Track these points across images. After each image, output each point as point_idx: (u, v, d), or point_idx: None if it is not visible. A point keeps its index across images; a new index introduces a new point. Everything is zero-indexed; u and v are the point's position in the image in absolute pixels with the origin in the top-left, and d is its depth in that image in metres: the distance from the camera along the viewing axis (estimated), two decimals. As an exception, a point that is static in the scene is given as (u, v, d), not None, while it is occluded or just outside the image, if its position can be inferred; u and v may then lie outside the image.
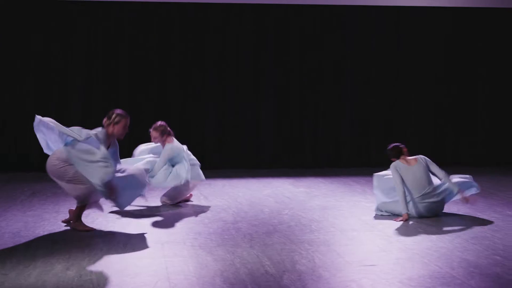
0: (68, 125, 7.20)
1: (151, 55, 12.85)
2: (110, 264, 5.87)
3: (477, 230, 7.37)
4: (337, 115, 13.47)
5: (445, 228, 7.45)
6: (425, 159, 8.19)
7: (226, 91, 13.11)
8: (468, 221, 7.84)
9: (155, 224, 7.65)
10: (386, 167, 12.98)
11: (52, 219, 7.81)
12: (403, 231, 7.29)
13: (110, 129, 7.32)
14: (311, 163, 13.25)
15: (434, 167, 8.14)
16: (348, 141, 13.48)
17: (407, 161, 8.14)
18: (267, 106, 13.18)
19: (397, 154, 8.20)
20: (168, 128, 8.91)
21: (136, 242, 6.75)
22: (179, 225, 7.59)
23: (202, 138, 12.99)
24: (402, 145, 8.26)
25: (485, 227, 7.53)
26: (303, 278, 5.44)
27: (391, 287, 5.21)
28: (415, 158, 8.18)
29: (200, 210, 8.56)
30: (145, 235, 7.07)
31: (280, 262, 5.93)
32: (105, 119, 7.37)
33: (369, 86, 13.58)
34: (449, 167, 13.05)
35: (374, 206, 8.61)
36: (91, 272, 5.63)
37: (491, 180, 11.13)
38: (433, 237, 7.00)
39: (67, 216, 7.72)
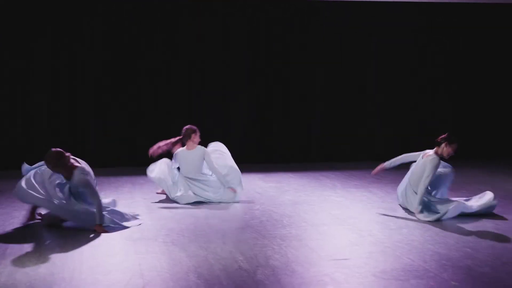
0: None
1: (119, 54, 12.74)
2: (83, 262, 5.81)
3: (446, 223, 7.45)
4: (306, 110, 13.48)
5: (415, 221, 7.51)
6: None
7: (194, 86, 13.04)
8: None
9: (126, 221, 7.59)
10: (354, 161, 13.12)
11: (21, 217, 7.71)
12: (374, 225, 7.33)
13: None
14: (280, 158, 13.25)
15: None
16: (317, 135, 13.50)
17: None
18: (236, 102, 13.15)
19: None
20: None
21: (108, 239, 6.70)
22: (151, 221, 7.54)
23: (170, 135, 12.91)
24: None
25: (455, 219, 7.60)
26: (277, 273, 5.44)
27: (365, 280, 5.24)
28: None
29: (172, 206, 8.52)
30: (117, 232, 7.01)
31: (253, 258, 5.93)
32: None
33: (338, 81, 13.60)
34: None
35: (347, 201, 8.69)
36: (63, 269, 5.57)
37: (460, 173, 11.22)
38: (404, 230, 7.06)
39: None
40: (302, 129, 13.48)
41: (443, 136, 8.02)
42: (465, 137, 13.65)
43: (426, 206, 7.84)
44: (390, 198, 9.05)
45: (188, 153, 8.99)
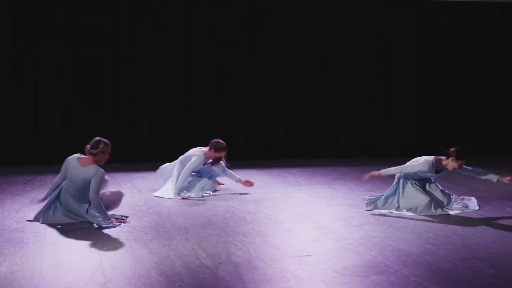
0: None
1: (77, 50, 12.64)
2: (43, 259, 5.76)
3: (408, 219, 7.52)
4: (270, 107, 13.51)
5: (378, 218, 7.57)
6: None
7: (157, 85, 12.99)
8: (399, 212, 7.97)
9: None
10: (319, 158, 13.18)
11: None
12: (337, 222, 7.37)
13: (96, 159, 7.31)
14: (244, 155, 13.26)
15: None
16: (282, 133, 13.54)
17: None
18: (198, 99, 13.12)
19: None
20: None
21: (70, 236, 6.65)
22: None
23: (135, 133, 12.86)
24: None
25: (415, 216, 7.69)
26: (239, 270, 5.45)
27: (326, 277, 5.27)
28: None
29: (134, 203, 8.48)
30: (77, 229, 6.96)
31: (215, 254, 5.93)
32: (88, 147, 7.33)
33: (299, 78, 13.65)
34: (380, 159, 13.34)
35: (311, 198, 8.75)
36: (24, 267, 5.52)
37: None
38: (366, 227, 7.11)
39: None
40: (266, 126, 13.50)
41: (453, 149, 7.97)
42: (439, 133, 13.86)
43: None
44: (353, 195, 9.11)
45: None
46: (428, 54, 14.21)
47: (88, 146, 7.33)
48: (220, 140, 9.20)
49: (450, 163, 7.95)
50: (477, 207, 8.18)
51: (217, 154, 9.14)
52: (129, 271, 5.42)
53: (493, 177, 8.05)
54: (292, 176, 11.03)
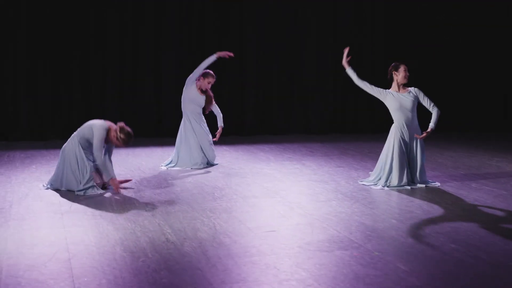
0: None
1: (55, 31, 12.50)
2: (7, 236, 5.73)
3: (374, 194, 7.58)
4: (240, 83, 13.49)
5: (345, 194, 7.61)
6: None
7: (126, 61, 12.90)
8: (366, 187, 8.03)
9: (55, 194, 7.49)
10: (289, 135, 13.22)
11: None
12: (304, 198, 7.41)
13: (112, 134, 7.65)
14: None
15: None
16: (251, 109, 13.53)
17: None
18: (167, 76, 13.06)
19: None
20: None
21: (35, 212, 6.61)
22: (80, 194, 7.46)
23: (103, 108, 12.78)
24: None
25: (383, 192, 7.74)
26: (204, 245, 5.46)
27: (290, 252, 5.30)
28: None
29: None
30: (44, 205, 6.93)
31: (181, 230, 5.94)
32: (119, 125, 7.67)
33: (271, 54, 13.64)
34: (350, 135, 13.42)
35: (279, 174, 8.79)
36: (-13, 244, 5.49)
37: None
38: (333, 202, 7.15)
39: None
40: (237, 102, 13.49)
41: (389, 69, 8.21)
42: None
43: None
44: (322, 171, 9.15)
45: None
46: (397, 35, 14.27)
47: (119, 124, 7.69)
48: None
49: (398, 77, 8.12)
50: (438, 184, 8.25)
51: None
52: (94, 247, 5.40)
53: (431, 120, 8.10)
54: (262, 152, 11.05)
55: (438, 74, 14.42)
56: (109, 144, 7.78)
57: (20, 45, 12.27)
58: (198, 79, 9.51)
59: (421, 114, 8.36)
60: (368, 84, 8.22)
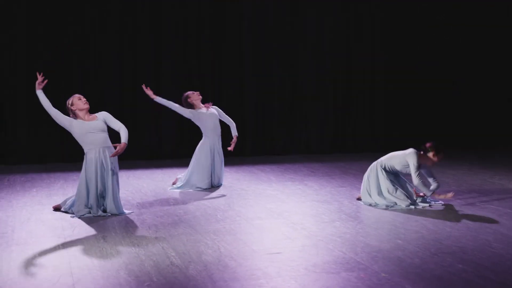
0: None
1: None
2: (11, 261, 5.67)
3: (379, 215, 7.54)
4: (240, 103, 13.48)
5: (348, 214, 7.57)
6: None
7: (124, 82, 12.88)
8: (369, 207, 7.99)
9: (57, 219, 7.44)
10: (290, 155, 13.19)
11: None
12: (308, 219, 7.36)
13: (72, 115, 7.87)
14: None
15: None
16: (253, 130, 13.52)
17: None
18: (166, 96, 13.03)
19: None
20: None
21: (38, 237, 6.55)
22: (82, 218, 7.41)
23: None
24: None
25: (387, 212, 7.70)
26: (209, 268, 5.41)
27: (296, 274, 5.25)
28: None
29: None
30: (46, 230, 6.88)
31: (185, 253, 5.88)
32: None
33: (271, 77, 13.65)
34: (350, 155, 13.39)
35: (282, 195, 8.75)
36: (-10, 269, 5.44)
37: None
38: (337, 223, 7.10)
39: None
40: (237, 123, 13.45)
41: (430, 144, 8.05)
42: (408, 130, 13.97)
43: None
44: (324, 191, 9.11)
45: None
46: (397, 55, 14.31)
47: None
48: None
49: (430, 158, 7.99)
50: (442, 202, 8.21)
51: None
52: (98, 271, 5.35)
53: (431, 187, 8.06)
54: (263, 173, 11.01)
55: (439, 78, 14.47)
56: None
57: (20, 67, 12.24)
58: (188, 102, 9.54)
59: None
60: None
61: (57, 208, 7.85)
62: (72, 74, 12.54)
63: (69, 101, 7.80)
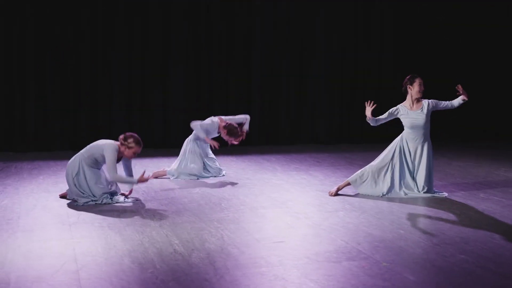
0: None
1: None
2: (16, 247, 5.73)
3: (382, 205, 7.56)
4: (246, 93, 13.50)
5: (352, 204, 7.60)
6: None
7: (133, 76, 12.92)
8: (374, 197, 8.01)
9: (63, 206, 7.50)
10: (296, 145, 13.21)
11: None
12: (312, 208, 7.40)
13: (122, 149, 7.67)
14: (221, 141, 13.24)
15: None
16: (258, 119, 13.54)
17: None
18: (177, 85, 13.08)
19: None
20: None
21: (43, 224, 6.61)
22: (87, 206, 7.47)
23: (111, 121, 12.79)
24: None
25: (390, 202, 7.73)
26: (212, 256, 5.46)
27: (298, 262, 5.29)
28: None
29: (109, 190, 8.44)
30: (52, 217, 6.94)
31: (189, 241, 5.93)
32: (121, 137, 7.68)
33: (278, 64, 13.66)
34: (357, 145, 13.38)
35: (286, 184, 8.77)
36: (-5, 255, 5.50)
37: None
38: (340, 213, 7.14)
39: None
40: (243, 112, 13.48)
41: (404, 82, 8.18)
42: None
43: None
44: (329, 181, 9.14)
45: None
46: (403, 51, 14.29)
47: (121, 136, 7.71)
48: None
49: (413, 91, 8.09)
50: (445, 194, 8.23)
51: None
52: (102, 258, 5.41)
53: (458, 101, 8.14)
54: (269, 162, 11.04)
55: (440, 78, 14.42)
56: (125, 159, 7.81)
57: (28, 57, 12.29)
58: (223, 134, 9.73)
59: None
60: (382, 119, 8.16)
61: (63, 196, 7.91)
62: (81, 61, 12.58)
63: (129, 141, 7.64)
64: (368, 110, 7.96)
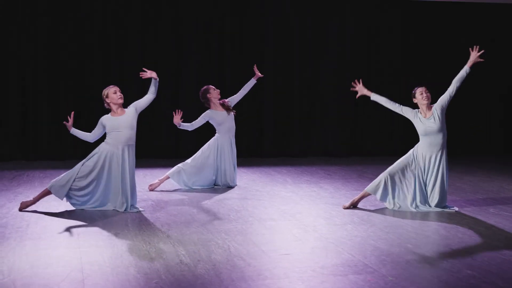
0: None
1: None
2: (23, 255, 5.76)
3: (391, 219, 7.53)
4: (258, 105, 13.51)
5: (361, 218, 7.58)
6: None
7: (146, 85, 12.93)
8: (383, 211, 7.99)
9: (71, 215, 7.54)
10: (308, 157, 13.18)
11: None
12: (320, 221, 7.38)
13: (111, 105, 8.00)
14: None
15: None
16: (270, 131, 13.54)
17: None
18: (186, 99, 13.12)
19: None
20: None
21: (51, 232, 6.65)
22: (96, 215, 7.50)
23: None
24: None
25: (399, 216, 7.69)
26: (218, 267, 5.46)
27: (304, 275, 5.28)
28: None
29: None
30: (61, 225, 6.97)
31: (195, 252, 5.93)
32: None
33: (290, 75, 13.67)
34: (368, 158, 13.36)
35: (296, 196, 8.78)
36: (2, 262, 5.52)
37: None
38: (349, 226, 7.12)
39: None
40: (255, 123, 13.52)
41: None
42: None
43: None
44: (339, 194, 9.12)
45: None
46: (414, 55, 14.27)
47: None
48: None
49: (419, 102, 8.14)
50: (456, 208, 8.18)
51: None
52: (108, 268, 5.42)
53: (465, 71, 8.11)
54: (280, 174, 11.04)
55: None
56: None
57: (41, 64, 12.37)
58: (207, 97, 9.71)
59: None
60: (397, 106, 8.21)
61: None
62: (94, 72, 12.65)
63: (105, 93, 7.96)
64: (360, 88, 8.62)
